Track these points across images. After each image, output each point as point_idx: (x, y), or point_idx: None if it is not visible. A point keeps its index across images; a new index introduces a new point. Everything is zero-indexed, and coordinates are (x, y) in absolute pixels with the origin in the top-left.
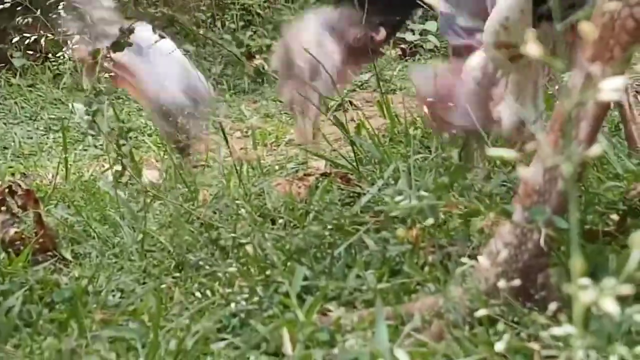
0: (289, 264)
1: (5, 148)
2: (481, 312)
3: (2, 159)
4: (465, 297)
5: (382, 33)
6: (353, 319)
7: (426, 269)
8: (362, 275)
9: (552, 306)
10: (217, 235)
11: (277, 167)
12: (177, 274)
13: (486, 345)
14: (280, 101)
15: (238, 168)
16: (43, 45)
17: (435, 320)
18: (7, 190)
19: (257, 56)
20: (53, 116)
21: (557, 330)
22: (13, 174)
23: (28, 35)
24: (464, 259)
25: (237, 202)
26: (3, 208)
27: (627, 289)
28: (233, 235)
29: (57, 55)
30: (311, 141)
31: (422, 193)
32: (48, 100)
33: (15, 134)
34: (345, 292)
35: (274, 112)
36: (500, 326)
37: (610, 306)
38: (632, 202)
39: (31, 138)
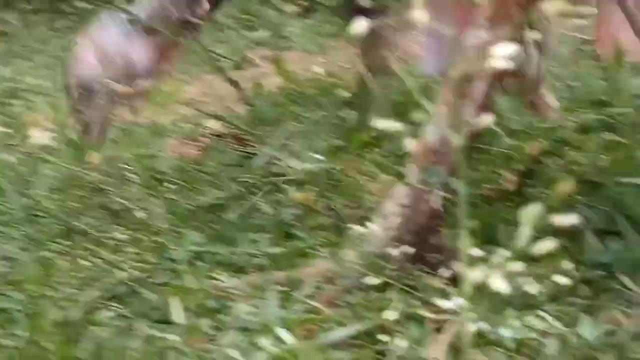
0: (179, 229)
1: None
2: (372, 280)
3: None
4: (357, 262)
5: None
6: (243, 286)
7: (321, 233)
8: (255, 240)
9: (445, 273)
10: (106, 200)
11: (169, 128)
12: (65, 241)
13: (379, 311)
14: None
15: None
16: None
17: (327, 286)
18: None
19: None
20: None
21: (447, 304)
22: None
23: None
24: (357, 223)
25: (127, 165)
26: None
27: (517, 266)
28: (120, 199)
29: None
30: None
31: (317, 155)
32: None
33: None
34: (235, 257)
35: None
36: (394, 292)
37: (499, 284)
38: (529, 162)
39: None
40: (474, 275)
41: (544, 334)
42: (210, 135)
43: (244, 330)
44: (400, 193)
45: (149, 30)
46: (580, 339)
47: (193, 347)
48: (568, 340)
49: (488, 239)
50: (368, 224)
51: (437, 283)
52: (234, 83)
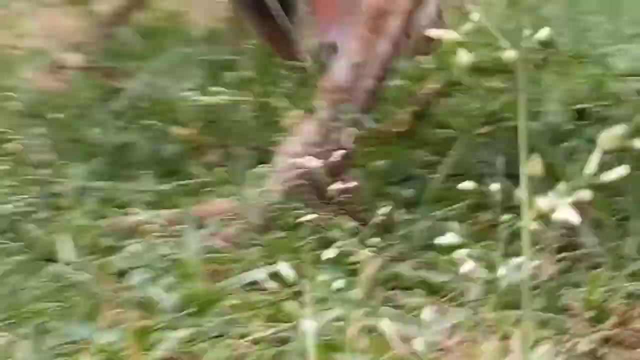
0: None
1: None
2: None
3: None
4: (262, 200)
5: None
6: (134, 222)
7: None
8: (136, 176)
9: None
10: None
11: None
12: None
13: (292, 252)
14: None
15: None
16: None
17: (230, 225)
18: None
19: None
20: None
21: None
22: None
23: None
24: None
25: None
26: None
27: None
28: None
29: None
30: None
31: (219, 88)
32: None
33: None
34: (119, 193)
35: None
36: (305, 230)
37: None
38: (421, 102)
39: None
40: (541, 203)
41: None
42: (73, 68)
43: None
44: (308, 129)
45: None
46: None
47: (103, 286)
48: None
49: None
50: (273, 161)
51: (347, 224)
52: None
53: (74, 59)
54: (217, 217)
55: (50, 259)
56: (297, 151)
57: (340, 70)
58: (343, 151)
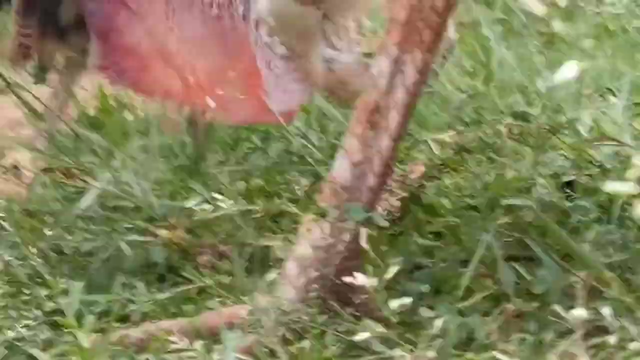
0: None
1: None
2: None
3: None
4: (277, 308)
5: None
6: (140, 337)
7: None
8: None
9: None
10: None
11: None
12: None
13: None
14: None
15: None
16: None
17: (244, 332)
18: None
19: None
20: None
21: None
22: None
23: None
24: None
25: None
26: None
27: None
28: None
29: None
30: None
31: (216, 195)
32: None
33: None
34: (116, 305)
35: None
36: (329, 337)
37: None
38: (411, 186)
39: None
40: None
41: None
42: (35, 170)
43: None
44: (318, 233)
45: None
46: None
47: None
48: None
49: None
50: (283, 266)
51: (378, 327)
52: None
53: (29, 159)
54: (229, 325)
55: None
56: (307, 255)
57: (341, 170)
58: (351, 253)
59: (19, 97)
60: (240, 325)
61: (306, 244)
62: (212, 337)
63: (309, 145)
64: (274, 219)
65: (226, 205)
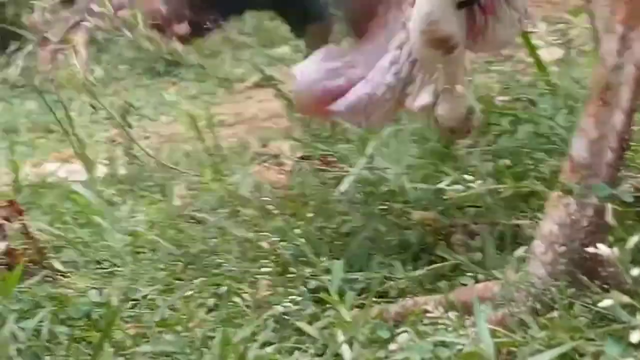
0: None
1: None
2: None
3: None
4: (527, 282)
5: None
6: (398, 311)
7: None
8: (387, 263)
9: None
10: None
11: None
12: (191, 278)
13: (573, 331)
14: (201, 81)
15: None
16: None
17: (496, 305)
18: None
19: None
20: None
21: None
22: None
23: None
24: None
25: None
26: None
27: None
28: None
29: None
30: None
31: (466, 176)
32: None
33: None
34: (375, 282)
35: (195, 93)
36: (577, 309)
37: None
38: None
39: None
40: None
41: None
42: (294, 158)
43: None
44: (557, 210)
45: None
46: None
47: None
48: None
49: None
50: (531, 244)
51: (625, 298)
52: (287, 100)
53: (288, 148)
54: (481, 300)
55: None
56: (554, 232)
57: (579, 148)
58: (594, 227)
59: (277, 89)
60: (492, 300)
61: (552, 221)
62: (465, 310)
63: (556, 126)
64: (523, 198)
65: (476, 185)
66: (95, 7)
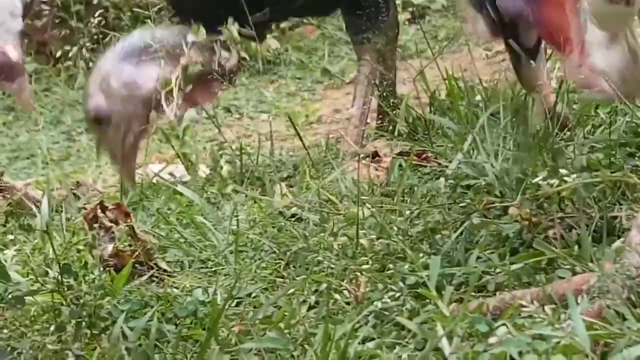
0: (407, 253)
1: (32, 155)
2: None
3: (32, 167)
4: (624, 274)
5: (234, 59)
6: (496, 305)
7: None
8: (484, 258)
9: None
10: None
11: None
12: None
13: None
14: (300, 78)
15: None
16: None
17: (592, 298)
18: (98, 206)
19: (268, 35)
20: (75, 119)
21: None
22: (60, 182)
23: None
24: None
25: (322, 191)
26: (96, 224)
27: None
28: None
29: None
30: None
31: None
32: (66, 103)
33: (41, 140)
34: (473, 277)
35: (294, 90)
36: None
37: None
38: None
39: (57, 143)
40: None
41: None
42: (391, 155)
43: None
44: None
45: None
46: None
47: None
48: None
49: None
50: (628, 235)
51: None
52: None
53: (386, 145)
54: (577, 292)
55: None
56: None
57: None
58: None
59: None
60: (588, 292)
61: None
62: (563, 303)
63: None
64: (619, 190)
65: (571, 178)
66: None
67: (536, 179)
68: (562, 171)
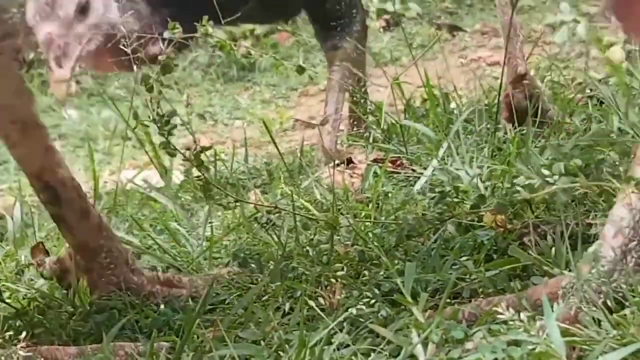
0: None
1: (4, 162)
2: None
3: (5, 174)
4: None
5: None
6: (471, 312)
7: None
8: (460, 264)
9: None
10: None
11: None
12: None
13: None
14: (274, 85)
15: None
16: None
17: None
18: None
19: (243, 42)
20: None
21: None
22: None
23: None
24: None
25: (295, 199)
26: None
27: None
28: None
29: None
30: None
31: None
32: (39, 109)
33: None
34: (448, 283)
35: (269, 97)
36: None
37: None
38: None
39: None
40: None
41: None
42: (365, 162)
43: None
44: (633, 198)
45: None
46: None
47: None
48: None
49: None
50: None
51: None
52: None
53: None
54: (553, 296)
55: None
56: (624, 216)
57: None
58: None
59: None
60: (563, 296)
61: (623, 207)
62: (537, 309)
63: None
64: (595, 196)
65: (547, 185)
66: None
67: (511, 185)
68: (539, 176)
